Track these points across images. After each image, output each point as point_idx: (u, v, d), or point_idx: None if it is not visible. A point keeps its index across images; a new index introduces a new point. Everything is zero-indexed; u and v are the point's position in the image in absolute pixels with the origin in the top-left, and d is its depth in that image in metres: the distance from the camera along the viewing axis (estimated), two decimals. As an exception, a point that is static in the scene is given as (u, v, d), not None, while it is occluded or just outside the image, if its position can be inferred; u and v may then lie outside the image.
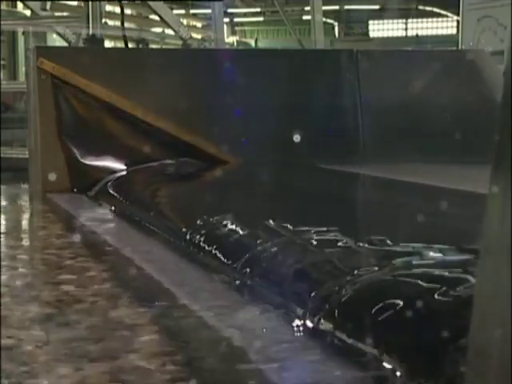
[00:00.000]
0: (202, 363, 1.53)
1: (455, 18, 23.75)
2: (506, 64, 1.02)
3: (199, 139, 4.30)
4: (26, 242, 3.12)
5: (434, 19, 27.98)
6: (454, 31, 23.27)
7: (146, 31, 14.56)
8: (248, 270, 2.11)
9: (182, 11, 21.53)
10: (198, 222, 2.67)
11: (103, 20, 8.45)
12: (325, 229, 2.25)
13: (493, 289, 0.99)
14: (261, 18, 27.87)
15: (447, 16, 27.03)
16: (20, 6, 14.06)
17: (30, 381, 1.43)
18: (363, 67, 4.75)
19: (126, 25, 9.48)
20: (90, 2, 7.69)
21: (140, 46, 11.99)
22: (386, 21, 28.14)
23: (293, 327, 1.70)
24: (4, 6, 13.03)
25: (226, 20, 21.23)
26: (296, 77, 4.67)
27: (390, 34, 28.64)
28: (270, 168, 3.94)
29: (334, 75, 4.81)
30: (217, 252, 2.35)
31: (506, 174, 0.96)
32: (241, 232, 2.45)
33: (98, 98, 4.23)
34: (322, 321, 1.65)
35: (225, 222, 2.52)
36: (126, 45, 7.48)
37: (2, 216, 3.63)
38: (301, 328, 1.69)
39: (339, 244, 2.07)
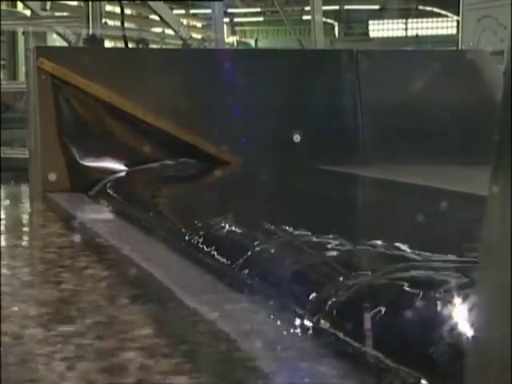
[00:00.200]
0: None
1: (455, 18, 23.76)
2: (506, 64, 1.02)
3: (199, 139, 4.30)
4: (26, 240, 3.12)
5: (434, 19, 28.00)
6: (454, 31, 23.29)
7: (146, 31, 14.57)
8: (246, 270, 2.11)
9: (182, 11, 21.54)
10: (196, 222, 2.67)
11: (103, 20, 8.46)
12: (323, 230, 2.25)
13: (493, 289, 0.99)
14: (261, 18, 27.89)
15: (447, 16, 27.05)
16: (20, 5, 14.06)
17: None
18: (363, 67, 4.75)
19: (126, 25, 9.49)
20: (90, 2, 7.70)
21: (140, 45, 12.00)
22: (385, 21, 28.15)
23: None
24: (4, 6, 13.04)
25: (226, 20, 21.24)
26: (296, 77, 4.67)
27: (390, 34, 28.66)
28: (270, 168, 3.94)
29: (333, 75, 4.80)
30: (215, 253, 2.35)
31: (506, 174, 0.96)
32: (238, 233, 2.45)
33: (98, 98, 4.23)
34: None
35: (223, 224, 2.52)
36: (126, 45, 7.48)
37: (2, 216, 3.64)
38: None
39: (335, 246, 2.07)
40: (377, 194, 3.59)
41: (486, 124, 2.31)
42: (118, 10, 9.69)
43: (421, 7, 26.91)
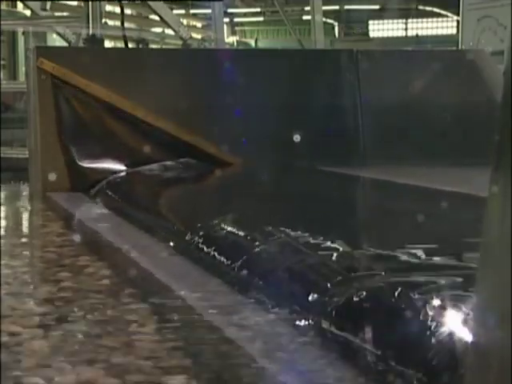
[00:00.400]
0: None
1: (455, 17, 23.75)
2: (506, 64, 1.02)
3: (199, 139, 4.30)
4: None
5: (434, 19, 27.98)
6: (454, 31, 23.27)
7: (146, 31, 14.56)
8: (245, 271, 2.11)
9: (182, 11, 21.53)
10: (195, 222, 2.67)
11: (103, 20, 8.46)
12: (322, 231, 2.25)
13: (493, 289, 0.99)
14: (261, 18, 27.87)
15: (447, 16, 27.03)
16: (20, 5, 14.06)
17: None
18: (363, 67, 4.75)
19: (126, 25, 9.48)
20: (90, 2, 7.70)
21: (140, 45, 12.00)
22: (385, 21, 28.13)
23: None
24: (4, 6, 13.03)
25: (226, 20, 21.22)
26: (296, 77, 4.66)
27: (390, 34, 28.63)
28: (270, 168, 3.94)
29: (334, 75, 4.80)
30: (215, 253, 2.35)
31: (506, 174, 0.96)
32: (238, 234, 2.46)
33: (98, 98, 4.23)
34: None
35: (222, 225, 2.52)
36: (126, 45, 7.48)
37: (3, 215, 3.64)
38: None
39: (333, 247, 2.06)
40: (377, 194, 3.59)
41: (486, 124, 2.31)
42: (118, 10, 9.69)
43: (421, 7, 26.89)
